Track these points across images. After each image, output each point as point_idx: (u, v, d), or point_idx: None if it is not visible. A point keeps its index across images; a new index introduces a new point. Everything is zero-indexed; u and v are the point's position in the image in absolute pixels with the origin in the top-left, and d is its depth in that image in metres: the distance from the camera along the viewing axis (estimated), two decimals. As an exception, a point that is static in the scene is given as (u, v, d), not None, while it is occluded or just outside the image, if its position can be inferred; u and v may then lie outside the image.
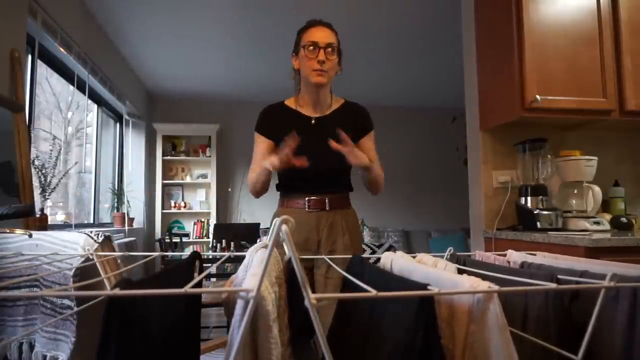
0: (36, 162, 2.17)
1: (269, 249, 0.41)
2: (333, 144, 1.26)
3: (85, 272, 0.82)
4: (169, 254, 0.98)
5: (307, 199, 1.40)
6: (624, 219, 1.96)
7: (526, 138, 2.07)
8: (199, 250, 3.70)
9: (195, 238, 5.06)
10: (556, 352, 0.49)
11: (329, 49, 1.35)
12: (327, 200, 1.40)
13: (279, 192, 1.52)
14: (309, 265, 1.39)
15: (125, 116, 4.33)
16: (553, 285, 0.50)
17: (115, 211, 4.09)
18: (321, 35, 1.36)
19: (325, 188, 1.41)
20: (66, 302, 0.80)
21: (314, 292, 1.34)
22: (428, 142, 5.72)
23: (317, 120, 1.45)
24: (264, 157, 1.38)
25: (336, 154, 1.39)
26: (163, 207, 4.96)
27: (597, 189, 1.99)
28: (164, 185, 5.00)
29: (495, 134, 2.21)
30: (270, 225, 0.90)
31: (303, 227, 1.39)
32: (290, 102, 1.49)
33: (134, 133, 4.69)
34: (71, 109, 3.41)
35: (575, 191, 2.00)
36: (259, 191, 1.44)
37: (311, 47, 1.34)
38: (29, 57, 2.34)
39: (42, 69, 2.74)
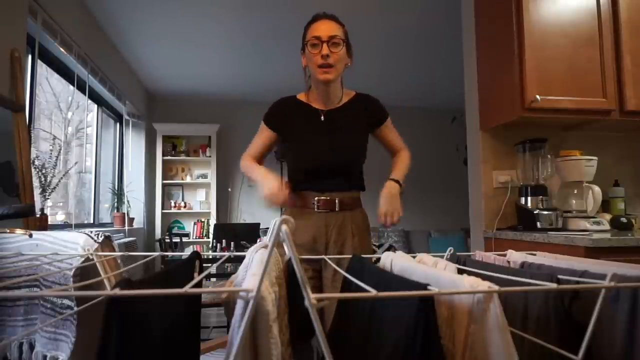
0: (36, 162, 2.16)
1: (269, 249, 0.41)
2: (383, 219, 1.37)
3: (85, 272, 0.82)
4: (169, 254, 0.98)
5: (316, 198, 1.37)
6: (624, 219, 1.96)
7: (526, 138, 2.07)
8: (199, 250, 3.70)
9: (195, 238, 5.06)
10: (556, 352, 0.49)
11: (333, 42, 1.30)
12: (336, 201, 1.36)
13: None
14: (317, 267, 1.36)
15: (125, 116, 4.33)
16: (553, 286, 0.50)
17: (115, 211, 4.09)
18: (324, 28, 1.32)
19: (335, 186, 1.37)
20: (66, 302, 0.80)
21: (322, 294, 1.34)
22: (428, 142, 5.72)
23: (327, 114, 1.42)
24: (261, 149, 1.47)
25: (345, 148, 1.39)
26: (163, 207, 4.96)
27: (597, 189, 1.99)
28: (164, 185, 5.00)
29: (495, 134, 2.21)
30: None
31: (311, 227, 1.36)
32: (302, 96, 1.47)
33: (134, 133, 4.69)
34: (71, 109, 3.41)
35: (575, 191, 2.00)
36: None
37: (314, 43, 1.31)
38: (29, 57, 2.34)
39: (42, 69, 2.74)
